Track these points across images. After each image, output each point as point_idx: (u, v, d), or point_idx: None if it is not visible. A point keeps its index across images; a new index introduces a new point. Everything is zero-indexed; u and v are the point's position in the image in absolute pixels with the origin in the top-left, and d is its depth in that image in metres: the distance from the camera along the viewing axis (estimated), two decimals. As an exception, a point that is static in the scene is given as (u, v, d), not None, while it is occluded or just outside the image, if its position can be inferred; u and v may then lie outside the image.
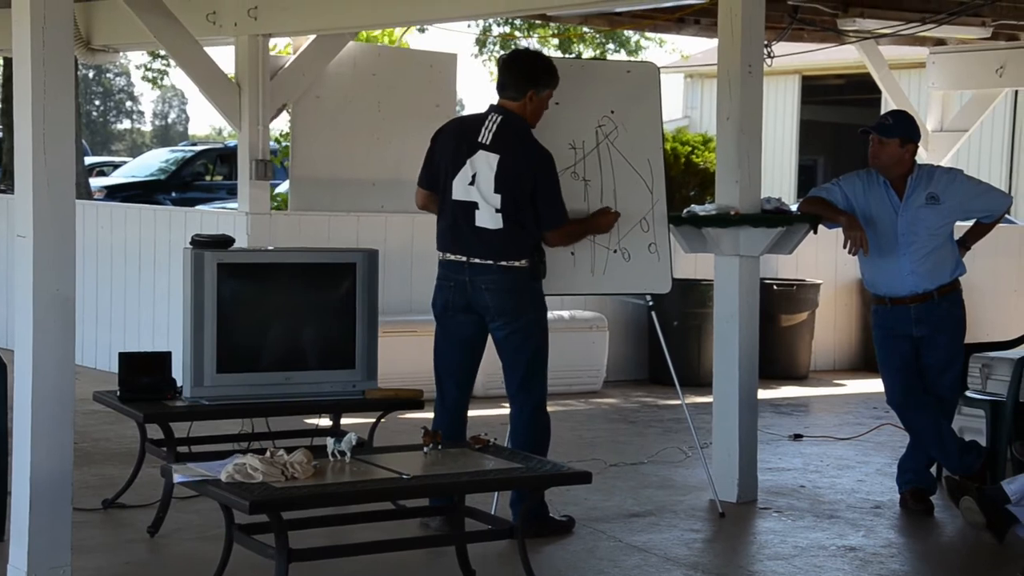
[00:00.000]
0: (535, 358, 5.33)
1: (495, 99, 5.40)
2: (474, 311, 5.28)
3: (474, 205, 5.21)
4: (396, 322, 8.20)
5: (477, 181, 5.19)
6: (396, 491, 4.51)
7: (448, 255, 5.30)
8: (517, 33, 19.25)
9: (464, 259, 5.24)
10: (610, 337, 9.08)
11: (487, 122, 5.23)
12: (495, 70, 6.34)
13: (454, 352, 5.37)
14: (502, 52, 19.09)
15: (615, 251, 5.75)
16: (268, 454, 4.30)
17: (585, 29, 17.26)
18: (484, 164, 5.19)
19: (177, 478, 4.31)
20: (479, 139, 5.21)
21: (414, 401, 5.52)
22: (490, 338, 5.36)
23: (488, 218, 5.19)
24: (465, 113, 5.95)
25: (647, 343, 9.41)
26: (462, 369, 5.40)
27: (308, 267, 5.71)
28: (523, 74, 5.25)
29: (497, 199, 5.17)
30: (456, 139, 5.28)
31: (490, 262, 5.21)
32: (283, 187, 13.49)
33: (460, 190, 5.23)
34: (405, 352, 7.86)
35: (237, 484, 4.15)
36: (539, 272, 5.29)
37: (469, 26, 18.85)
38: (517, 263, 5.22)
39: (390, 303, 8.22)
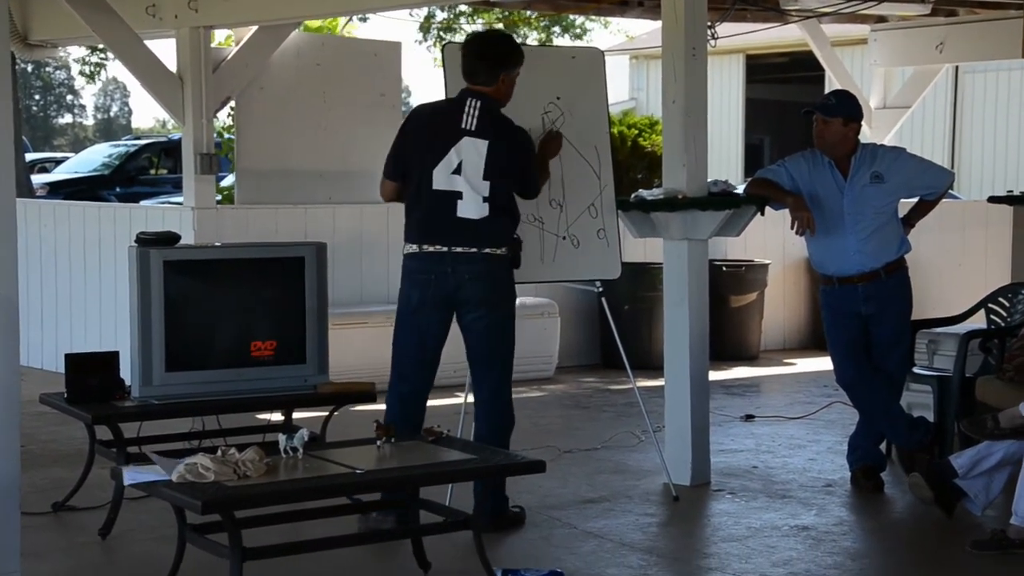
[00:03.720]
0: (509, 357, 5.28)
1: (441, 85, 5.35)
2: (450, 305, 5.16)
3: (457, 195, 5.07)
4: (346, 314, 8.16)
5: (463, 169, 5.06)
6: (350, 486, 4.50)
7: (425, 247, 5.13)
8: (462, 19, 19.19)
9: (445, 249, 5.10)
10: (561, 323, 9.09)
11: (467, 107, 5.09)
12: (439, 56, 6.28)
13: (422, 349, 5.23)
14: (445, 38, 19.00)
15: (564, 238, 5.75)
16: (219, 453, 4.27)
17: (529, 13, 17.26)
18: (472, 151, 5.06)
19: (127, 479, 4.26)
20: (462, 126, 5.08)
21: (367, 394, 5.48)
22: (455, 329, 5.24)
23: (472, 207, 5.07)
24: (429, 100, 5.83)
25: (598, 328, 9.43)
26: (427, 367, 5.28)
27: (256, 262, 5.66)
28: (494, 59, 5.15)
29: (486, 186, 5.07)
30: (432, 127, 5.15)
31: (474, 250, 5.10)
32: (228, 180, 13.37)
33: (442, 179, 5.08)
34: (356, 344, 7.83)
35: (189, 484, 4.11)
36: (517, 260, 5.25)
37: (411, 14, 18.81)
38: (498, 251, 5.14)
39: (340, 295, 8.16)
